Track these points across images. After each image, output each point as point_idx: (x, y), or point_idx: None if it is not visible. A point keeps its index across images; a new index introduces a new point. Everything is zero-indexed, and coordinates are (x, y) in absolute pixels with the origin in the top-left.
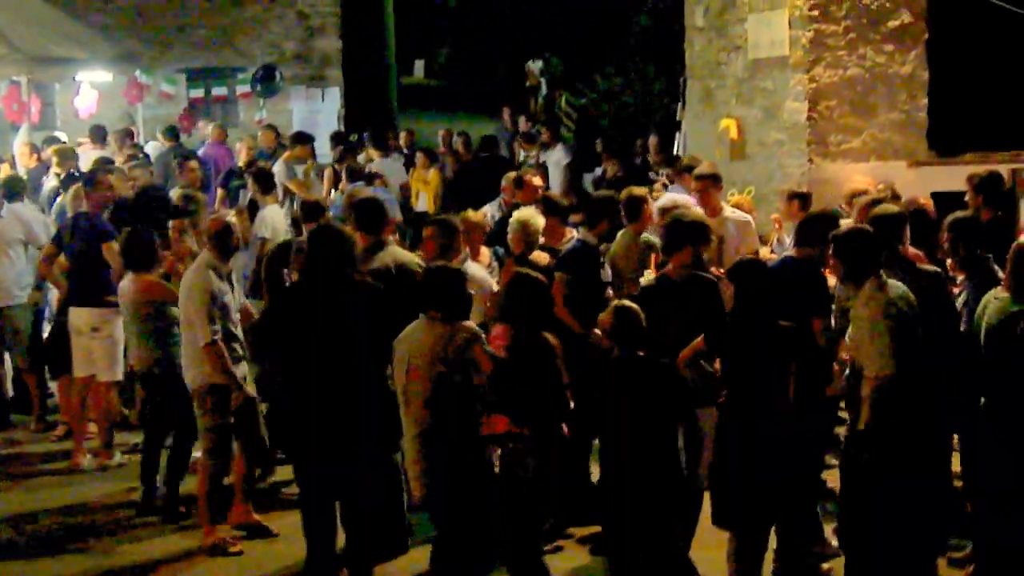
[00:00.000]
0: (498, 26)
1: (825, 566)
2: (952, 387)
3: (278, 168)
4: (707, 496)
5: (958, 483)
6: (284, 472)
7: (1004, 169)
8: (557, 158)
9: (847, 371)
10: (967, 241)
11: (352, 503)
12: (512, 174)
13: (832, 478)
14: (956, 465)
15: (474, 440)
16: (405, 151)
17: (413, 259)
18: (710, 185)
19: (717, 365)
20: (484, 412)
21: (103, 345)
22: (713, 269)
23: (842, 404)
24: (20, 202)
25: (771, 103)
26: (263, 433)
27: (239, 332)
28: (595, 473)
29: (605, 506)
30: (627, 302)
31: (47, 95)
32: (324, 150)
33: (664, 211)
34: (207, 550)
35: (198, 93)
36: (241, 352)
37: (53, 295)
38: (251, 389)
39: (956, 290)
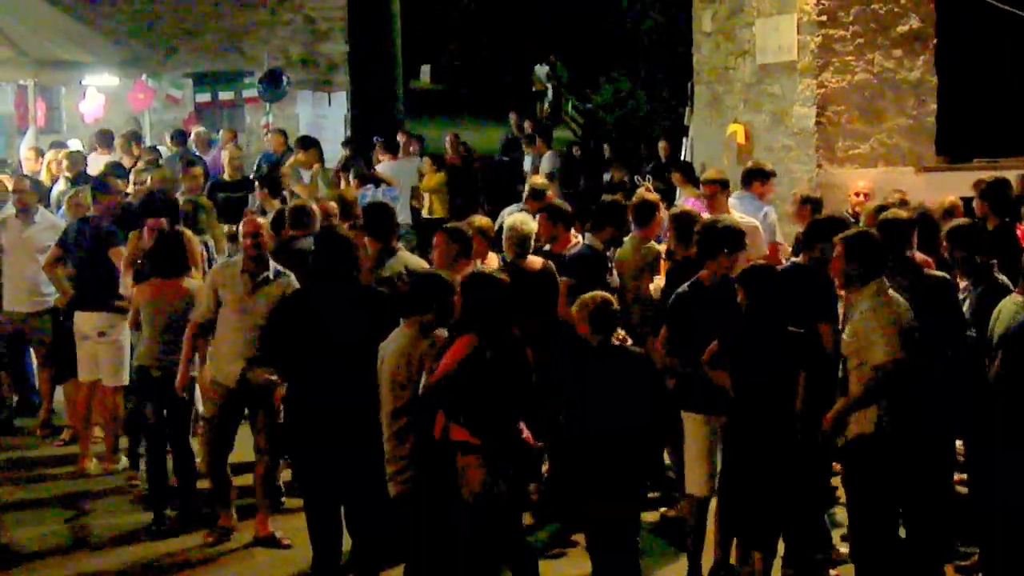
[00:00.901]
0: (505, 31)
1: (834, 572)
2: (955, 392)
3: (285, 172)
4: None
5: (962, 490)
6: (287, 475)
7: (1012, 175)
8: (546, 167)
9: (839, 372)
10: (966, 249)
11: (358, 508)
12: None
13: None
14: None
15: (439, 444)
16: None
17: (424, 266)
18: (718, 191)
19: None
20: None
21: (109, 349)
22: None
23: None
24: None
25: (779, 108)
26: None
27: None
28: None
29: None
30: (600, 292)
31: (52, 99)
32: (333, 155)
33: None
34: (261, 540)
35: (204, 97)
36: None
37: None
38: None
39: (960, 296)
